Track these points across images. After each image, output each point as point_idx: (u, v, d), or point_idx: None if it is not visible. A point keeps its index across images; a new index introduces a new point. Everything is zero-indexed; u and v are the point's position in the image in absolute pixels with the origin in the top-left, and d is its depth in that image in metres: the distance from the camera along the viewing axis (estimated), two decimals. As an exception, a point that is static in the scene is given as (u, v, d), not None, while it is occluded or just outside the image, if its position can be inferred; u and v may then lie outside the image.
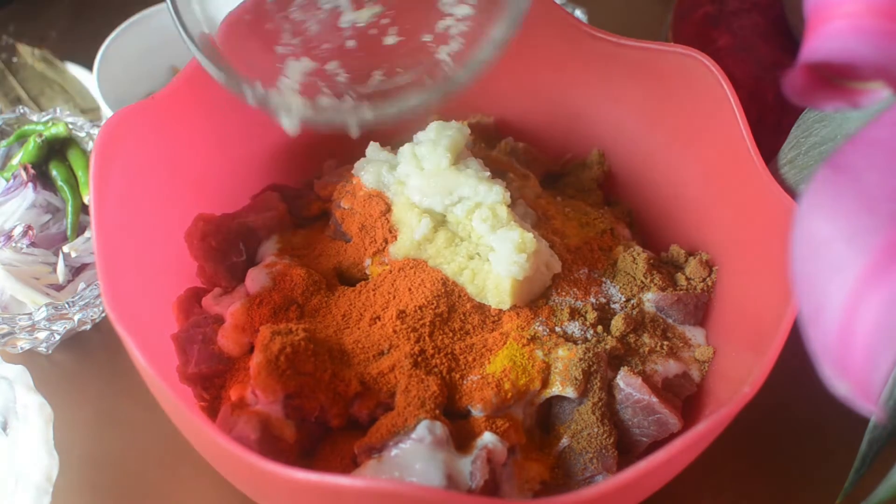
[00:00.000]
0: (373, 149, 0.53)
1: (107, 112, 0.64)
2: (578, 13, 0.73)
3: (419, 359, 0.44)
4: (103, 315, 0.55)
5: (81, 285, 0.54)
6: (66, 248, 0.53)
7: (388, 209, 0.50)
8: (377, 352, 0.45)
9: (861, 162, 0.26)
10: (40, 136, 0.57)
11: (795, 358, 0.35)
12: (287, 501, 0.38)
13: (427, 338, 0.45)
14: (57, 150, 0.58)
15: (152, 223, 0.47)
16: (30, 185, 0.55)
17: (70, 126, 0.58)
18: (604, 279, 0.50)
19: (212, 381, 0.46)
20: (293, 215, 0.54)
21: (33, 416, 0.46)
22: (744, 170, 0.46)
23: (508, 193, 0.48)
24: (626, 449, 0.46)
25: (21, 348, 0.54)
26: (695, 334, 0.50)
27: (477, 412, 0.44)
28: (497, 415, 0.44)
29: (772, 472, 0.52)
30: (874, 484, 0.35)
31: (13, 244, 0.53)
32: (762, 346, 0.40)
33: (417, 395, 0.42)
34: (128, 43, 0.66)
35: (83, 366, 0.56)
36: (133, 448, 0.52)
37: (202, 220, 0.50)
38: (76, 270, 0.55)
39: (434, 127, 0.50)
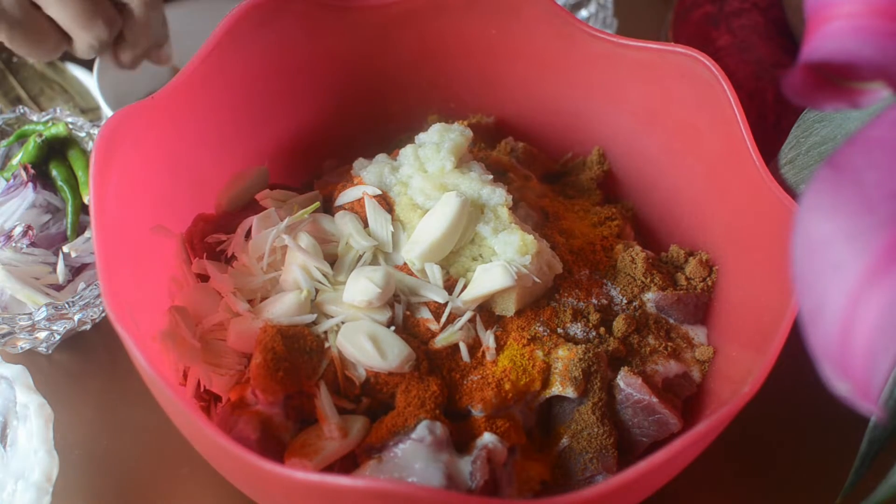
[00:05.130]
0: (361, 163, 0.53)
1: (107, 112, 0.64)
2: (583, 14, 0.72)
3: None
4: (103, 315, 0.55)
5: (81, 285, 0.54)
6: (66, 248, 0.53)
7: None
8: (377, 352, 0.45)
9: (861, 162, 0.26)
10: (40, 136, 0.57)
11: (795, 358, 0.35)
12: (287, 501, 0.38)
13: (427, 338, 0.45)
14: (57, 150, 0.57)
15: (152, 223, 0.47)
16: (30, 185, 0.55)
17: (70, 126, 0.58)
18: (605, 280, 0.50)
19: (212, 381, 0.46)
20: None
21: (33, 416, 0.45)
22: (744, 170, 0.46)
23: (510, 196, 0.48)
24: (626, 449, 0.46)
25: (21, 348, 0.54)
26: (696, 334, 0.50)
27: (477, 412, 0.43)
28: (497, 415, 0.44)
29: (771, 472, 0.52)
30: (874, 484, 0.35)
31: (13, 244, 0.53)
32: (762, 346, 0.40)
33: (417, 395, 0.42)
34: (128, 43, 0.66)
35: (83, 366, 0.56)
36: (133, 448, 0.52)
37: (202, 220, 0.50)
38: (76, 270, 0.55)
39: (436, 129, 0.50)
